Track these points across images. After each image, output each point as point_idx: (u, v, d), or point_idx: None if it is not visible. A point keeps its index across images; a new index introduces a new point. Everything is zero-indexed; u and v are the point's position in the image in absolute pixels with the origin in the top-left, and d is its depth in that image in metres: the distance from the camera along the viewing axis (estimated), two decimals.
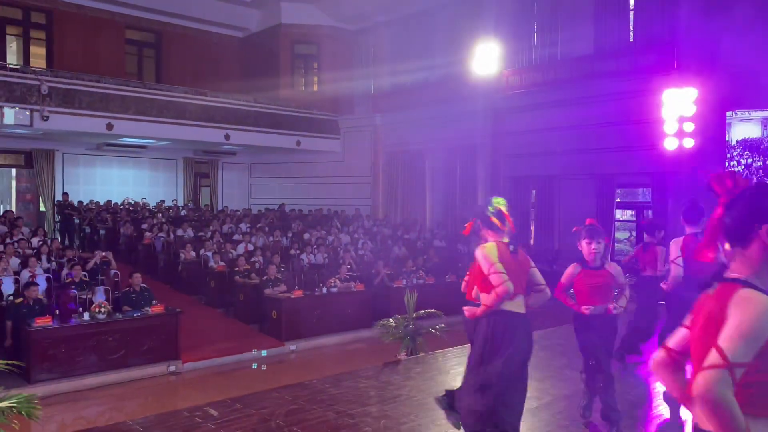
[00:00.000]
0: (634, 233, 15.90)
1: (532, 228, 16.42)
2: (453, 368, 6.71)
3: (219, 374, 9.18)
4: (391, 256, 14.73)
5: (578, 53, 14.83)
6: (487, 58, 15.83)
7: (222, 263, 12.87)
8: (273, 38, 21.08)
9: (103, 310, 8.80)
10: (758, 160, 12.53)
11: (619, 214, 15.59)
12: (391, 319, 8.20)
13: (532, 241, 16.05)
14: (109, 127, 15.52)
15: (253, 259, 13.10)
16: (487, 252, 3.71)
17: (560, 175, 15.44)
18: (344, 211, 19.48)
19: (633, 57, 13.90)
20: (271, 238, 15.34)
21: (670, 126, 12.40)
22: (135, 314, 9.25)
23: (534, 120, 15.59)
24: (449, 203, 18.23)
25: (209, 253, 13.27)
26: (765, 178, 12.34)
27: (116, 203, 17.87)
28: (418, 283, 12.68)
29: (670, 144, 12.38)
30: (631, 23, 14.53)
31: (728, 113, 12.75)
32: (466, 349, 7.34)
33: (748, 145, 12.73)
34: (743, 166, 12.73)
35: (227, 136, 17.75)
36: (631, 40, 14.45)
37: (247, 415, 5.13)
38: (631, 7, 14.50)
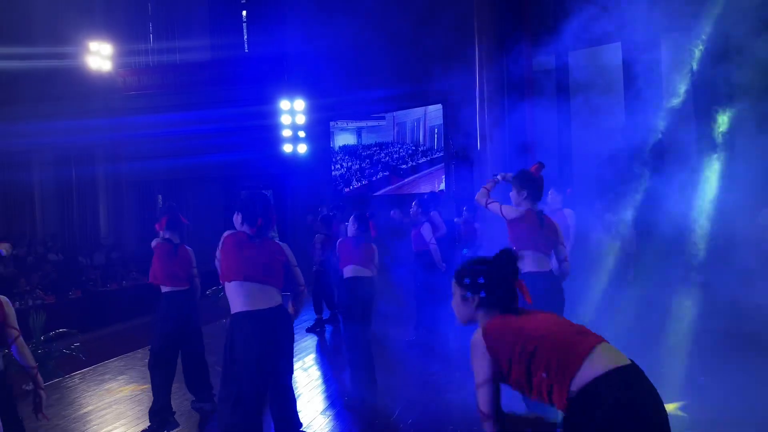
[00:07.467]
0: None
1: None
2: (91, 388, 6.31)
3: None
4: None
5: (197, 59, 15.15)
6: (99, 55, 14.86)
7: None
8: None
9: None
10: (356, 164, 14.93)
11: None
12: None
13: None
14: None
15: None
16: None
17: (186, 178, 15.52)
18: None
19: (249, 67, 14.91)
20: None
21: (285, 132, 13.79)
22: None
23: (156, 123, 15.26)
24: (65, 212, 16.47)
25: None
26: (362, 179, 14.78)
27: None
28: (36, 304, 11.22)
29: (287, 148, 13.78)
30: (245, 35, 15.55)
31: (331, 123, 14.84)
32: (107, 365, 7.01)
33: (347, 150, 15.05)
34: (345, 169, 15.00)
35: None
36: (246, 50, 15.48)
37: None
38: (244, 20, 15.53)
